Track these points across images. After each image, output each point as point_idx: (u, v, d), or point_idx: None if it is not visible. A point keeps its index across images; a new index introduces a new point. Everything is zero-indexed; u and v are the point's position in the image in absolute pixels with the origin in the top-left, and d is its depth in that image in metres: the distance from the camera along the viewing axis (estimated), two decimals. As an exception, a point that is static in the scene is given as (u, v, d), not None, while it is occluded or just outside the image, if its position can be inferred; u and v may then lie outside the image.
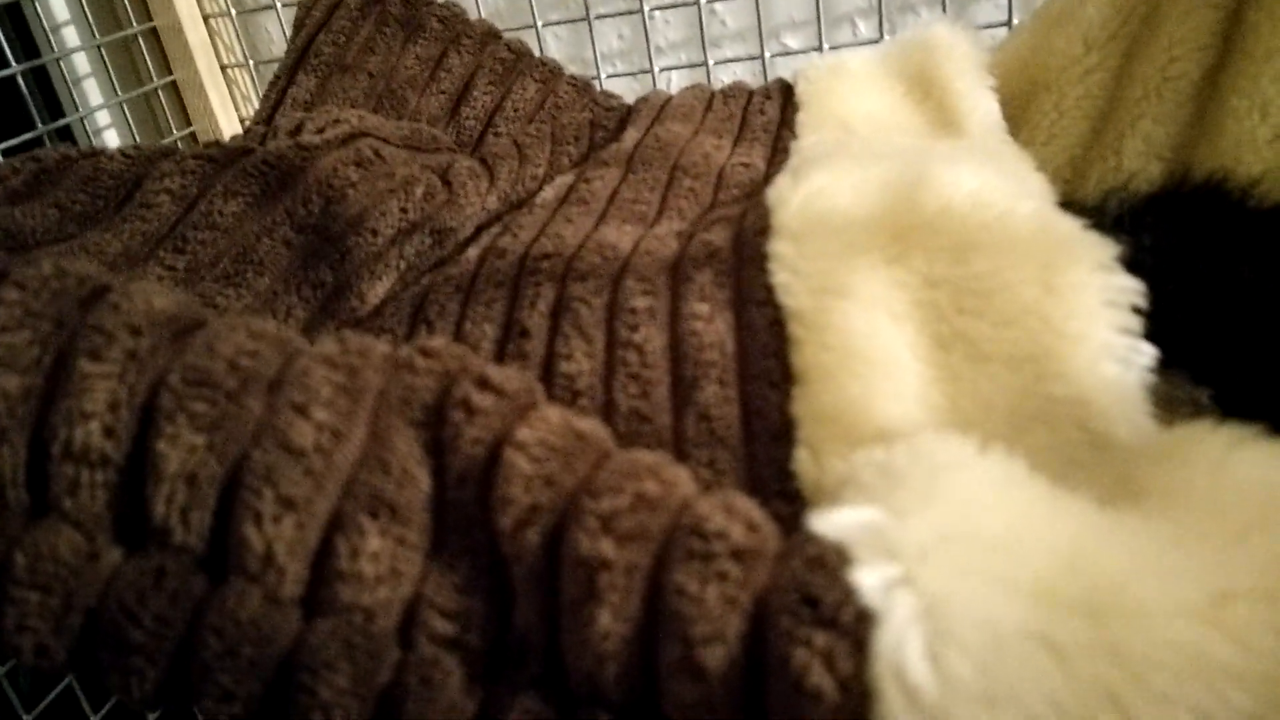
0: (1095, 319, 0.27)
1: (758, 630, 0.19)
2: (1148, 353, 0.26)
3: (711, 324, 0.30)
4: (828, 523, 0.20)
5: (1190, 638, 0.16)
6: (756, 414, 0.28)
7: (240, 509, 0.21)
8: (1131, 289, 0.28)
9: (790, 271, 0.30)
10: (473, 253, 0.40)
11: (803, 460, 0.27)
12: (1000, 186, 0.30)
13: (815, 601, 0.18)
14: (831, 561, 0.19)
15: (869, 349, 0.27)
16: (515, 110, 0.57)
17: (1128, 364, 0.26)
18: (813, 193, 0.32)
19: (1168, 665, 0.16)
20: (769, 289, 0.30)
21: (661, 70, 0.73)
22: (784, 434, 0.27)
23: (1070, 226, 0.30)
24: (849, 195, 0.32)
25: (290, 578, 0.21)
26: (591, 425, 0.22)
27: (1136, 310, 0.27)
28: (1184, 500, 0.20)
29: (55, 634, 0.21)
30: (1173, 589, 0.17)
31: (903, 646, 0.17)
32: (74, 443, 0.22)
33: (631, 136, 0.47)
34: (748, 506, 0.20)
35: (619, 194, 0.42)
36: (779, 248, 0.31)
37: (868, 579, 0.18)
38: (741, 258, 0.32)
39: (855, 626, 0.18)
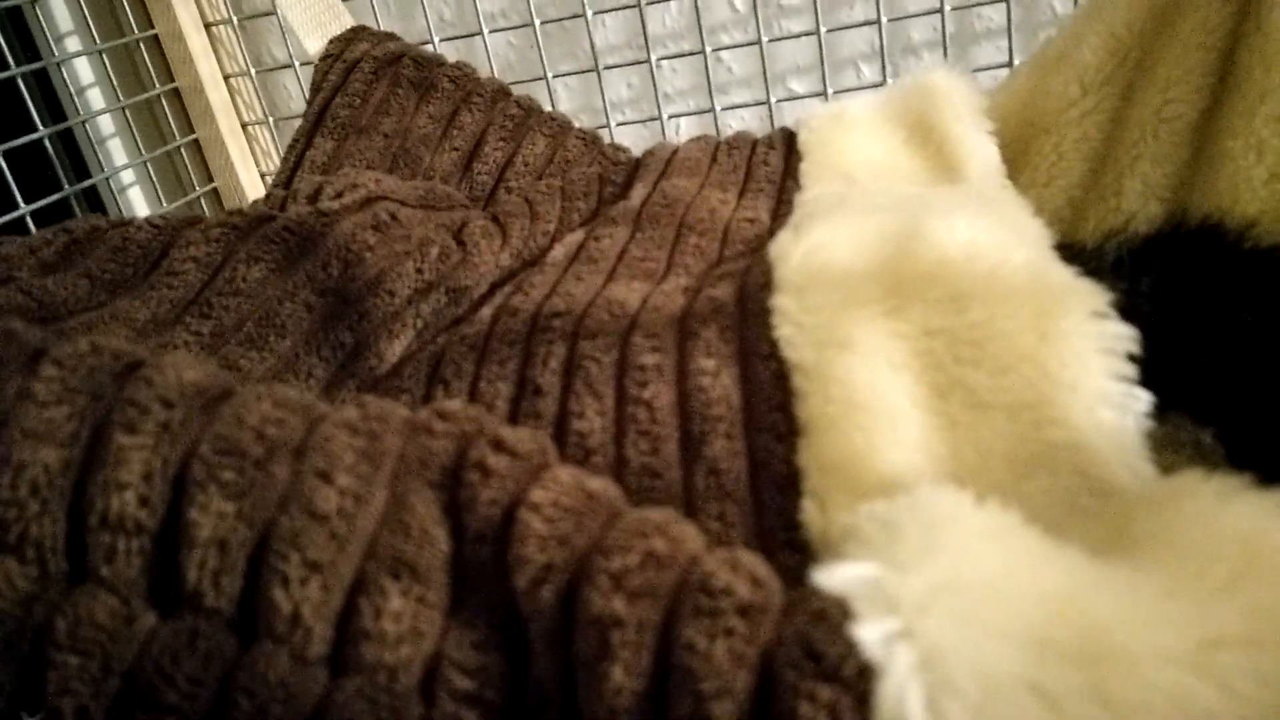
0: (1090, 366, 0.27)
1: (764, 684, 0.19)
2: (1144, 399, 0.27)
3: (718, 379, 0.31)
4: (830, 577, 0.20)
5: (1177, 683, 0.17)
6: (763, 466, 0.29)
7: (268, 573, 0.22)
8: (1126, 336, 0.28)
9: (793, 325, 0.31)
10: (486, 312, 0.41)
11: (809, 510, 0.27)
12: (995, 235, 0.31)
13: (819, 656, 0.19)
14: (834, 616, 0.19)
15: (870, 400, 0.28)
16: (526, 165, 0.58)
17: (1124, 410, 0.27)
18: (813, 247, 0.33)
19: (1155, 710, 0.17)
20: (773, 343, 0.31)
21: (670, 117, 0.75)
22: (790, 485, 0.28)
23: (1063, 274, 0.30)
24: (848, 248, 0.33)
25: (316, 638, 0.22)
26: (602, 484, 0.23)
27: (1132, 357, 0.28)
28: (1175, 550, 0.20)
29: (94, 696, 0.22)
30: (1161, 636, 0.18)
31: (904, 698, 0.18)
32: (110, 512, 0.23)
33: (639, 193, 0.49)
34: (752, 562, 0.21)
35: (628, 252, 0.43)
36: (781, 302, 0.32)
37: (869, 633, 0.19)
38: (746, 312, 0.33)
39: (858, 679, 0.19)
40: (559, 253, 0.44)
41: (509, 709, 0.22)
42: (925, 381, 0.29)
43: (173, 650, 0.22)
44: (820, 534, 0.27)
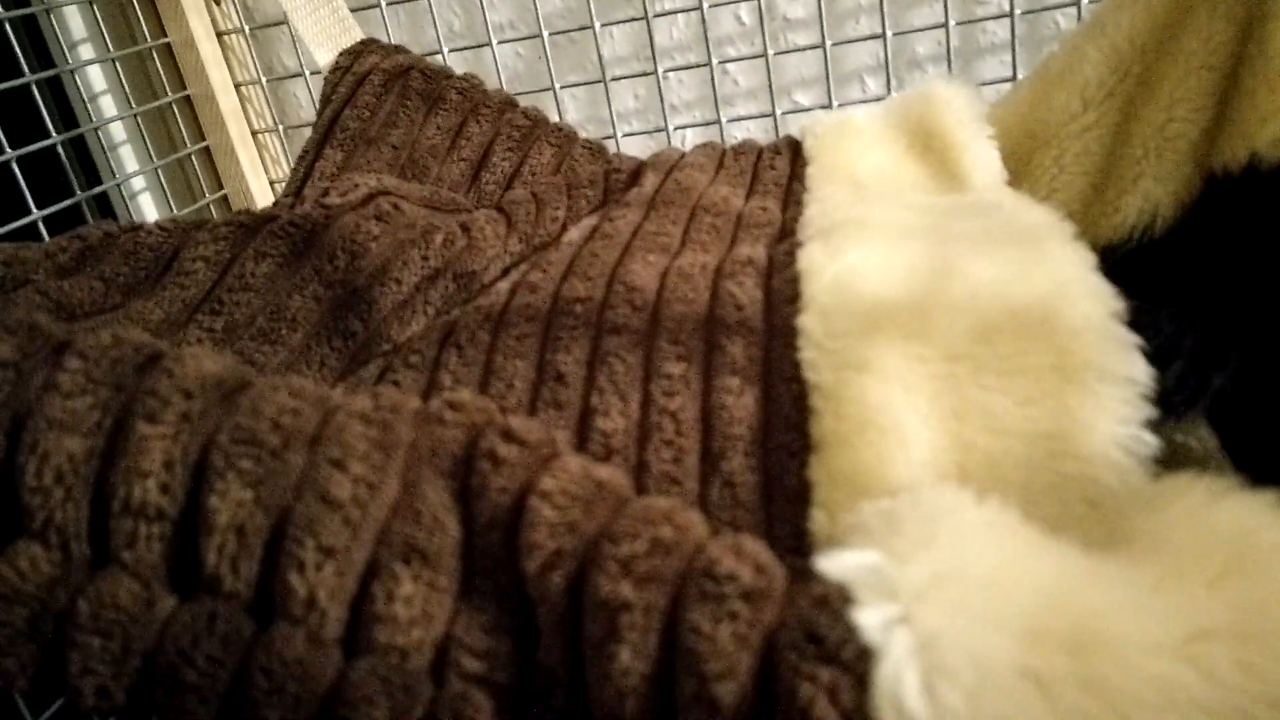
0: (1108, 411, 0.28)
1: (767, 666, 0.20)
2: (1152, 443, 0.28)
3: (741, 398, 0.32)
4: (832, 565, 0.21)
5: (1166, 672, 0.18)
6: (776, 480, 0.30)
7: (285, 558, 0.23)
8: (1143, 378, 0.29)
9: (816, 349, 0.32)
10: (504, 285, 0.42)
11: (818, 520, 0.28)
12: (1015, 265, 0.32)
13: (820, 639, 0.20)
14: (835, 601, 0.20)
15: (882, 419, 0.29)
16: (533, 174, 0.59)
17: (1134, 454, 0.28)
18: (845, 270, 0.34)
19: (1144, 698, 0.18)
20: (796, 365, 0.32)
21: (676, 128, 0.75)
22: (801, 496, 0.29)
23: (1085, 314, 0.31)
24: (877, 276, 0.33)
25: (331, 620, 0.23)
26: (610, 473, 0.24)
27: (1147, 399, 0.29)
28: (1166, 546, 0.21)
29: (115, 677, 0.23)
30: (1151, 627, 0.19)
31: (900, 680, 0.19)
32: (132, 499, 0.23)
33: (651, 181, 0.49)
34: (756, 549, 0.22)
35: (642, 228, 0.44)
36: (807, 323, 0.33)
37: (869, 618, 0.20)
38: (772, 329, 0.34)
39: (857, 662, 0.19)
40: (574, 234, 0.45)
41: (517, 691, 0.23)
42: (940, 404, 0.29)
43: (192, 632, 0.23)
44: (828, 541, 0.27)
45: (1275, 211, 0.38)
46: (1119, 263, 0.33)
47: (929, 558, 0.21)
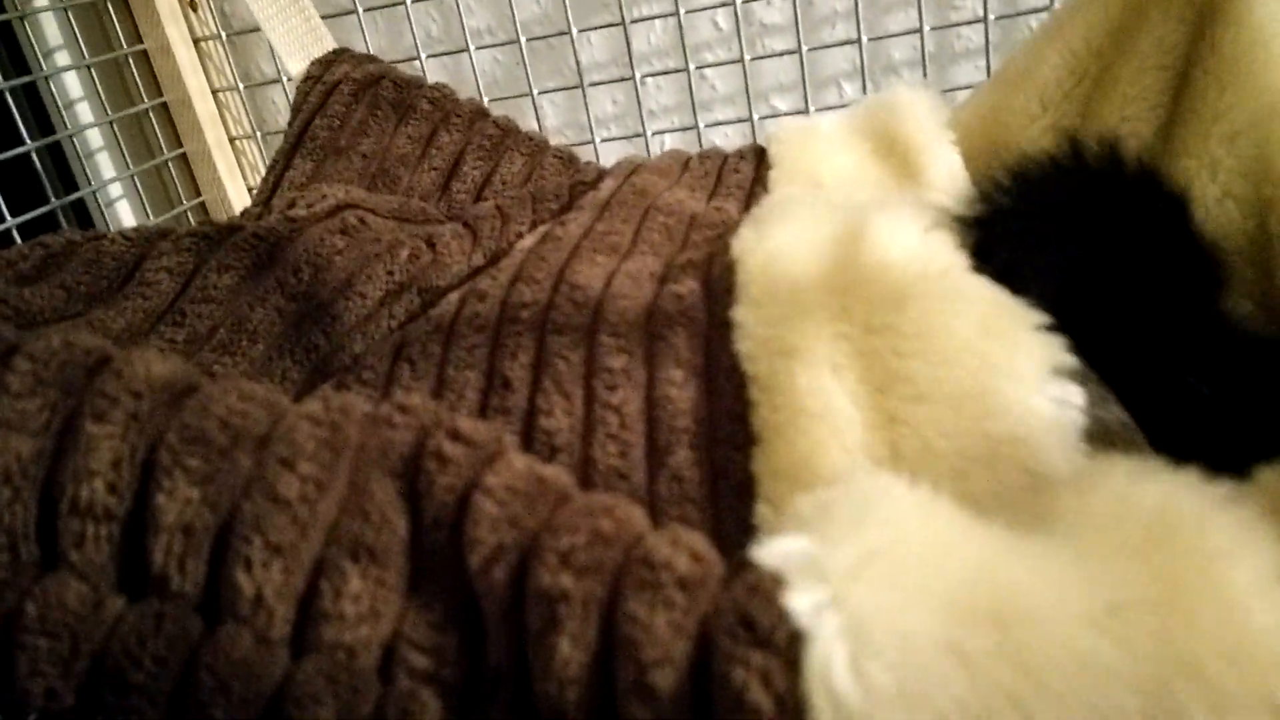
0: (1030, 358, 0.29)
1: (702, 652, 0.20)
2: (1080, 395, 0.28)
3: (684, 390, 0.32)
4: (766, 552, 0.21)
5: (1084, 643, 0.18)
6: (722, 474, 0.30)
7: (232, 556, 0.23)
8: (1064, 340, 0.30)
9: (751, 339, 0.32)
10: (454, 296, 0.42)
11: (763, 513, 0.29)
12: (944, 242, 0.33)
13: (752, 624, 0.20)
14: (768, 587, 0.20)
15: (813, 404, 0.29)
16: (504, 183, 0.59)
17: (1062, 405, 0.28)
18: (771, 254, 0.34)
19: (1063, 668, 0.18)
20: (734, 357, 0.32)
21: (654, 134, 0.76)
22: (747, 490, 0.30)
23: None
24: (803, 255, 0.34)
25: (278, 619, 0.23)
26: (553, 471, 0.24)
27: (1070, 354, 0.29)
28: (1088, 523, 0.22)
29: (63, 678, 0.23)
30: (1070, 600, 0.19)
31: (829, 661, 0.19)
32: (80, 499, 0.24)
33: (608, 185, 0.50)
34: (693, 539, 0.22)
35: (592, 229, 0.44)
36: (741, 315, 0.33)
37: (799, 602, 0.20)
38: (712, 320, 0.34)
39: (788, 646, 0.19)
40: (528, 240, 0.45)
41: (465, 687, 0.23)
42: (867, 380, 0.30)
43: (139, 632, 0.23)
44: (772, 534, 0.28)
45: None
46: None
47: (858, 539, 0.21)
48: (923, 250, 0.32)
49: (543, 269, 0.39)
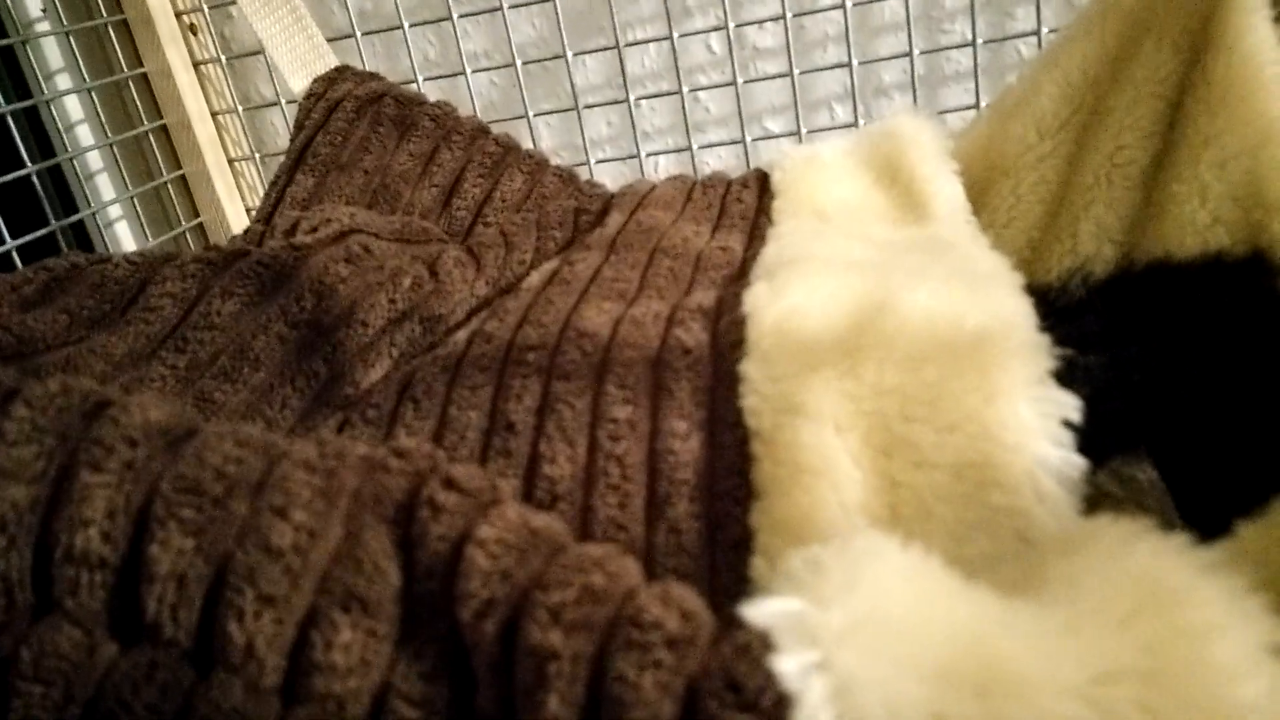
0: (1031, 431, 0.29)
1: (689, 713, 0.20)
2: (1080, 465, 0.28)
3: (687, 443, 0.32)
4: (756, 612, 0.21)
5: (1069, 714, 0.18)
6: (720, 527, 0.30)
7: (224, 606, 0.23)
8: (1066, 403, 0.30)
9: (756, 395, 0.32)
10: (461, 335, 0.42)
11: (758, 567, 0.29)
12: (956, 301, 0.33)
13: (740, 687, 0.20)
14: (756, 649, 0.21)
15: (815, 462, 0.29)
16: (504, 200, 0.59)
17: (1061, 477, 0.28)
18: (787, 312, 0.34)
19: (1048, 740, 0.18)
20: (739, 412, 0.32)
21: (648, 155, 0.76)
22: (744, 544, 0.30)
23: (1013, 337, 0.32)
24: (819, 316, 0.34)
25: (269, 669, 0.23)
26: (546, 521, 0.24)
27: (1070, 424, 0.29)
28: (1079, 589, 0.22)
29: (56, 725, 0.23)
30: (1058, 669, 0.19)
31: (816, 726, 0.19)
32: (75, 547, 0.24)
33: (615, 221, 0.50)
34: (683, 596, 0.22)
35: (600, 273, 0.44)
36: (749, 370, 0.33)
37: (787, 664, 0.20)
38: (718, 373, 0.34)
39: (774, 710, 0.20)
40: (535, 279, 0.45)
41: (454, 737, 0.23)
42: (870, 442, 0.30)
43: (132, 680, 0.23)
44: (767, 588, 0.28)
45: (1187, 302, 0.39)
46: (1059, 310, 0.34)
47: (850, 603, 0.21)
48: (941, 315, 0.32)
49: (550, 312, 0.39)
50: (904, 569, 0.22)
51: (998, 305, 0.35)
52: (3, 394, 0.26)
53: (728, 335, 0.36)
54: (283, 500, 0.24)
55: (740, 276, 0.42)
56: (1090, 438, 0.29)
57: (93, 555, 0.24)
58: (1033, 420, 0.29)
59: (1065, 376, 0.30)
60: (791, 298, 0.35)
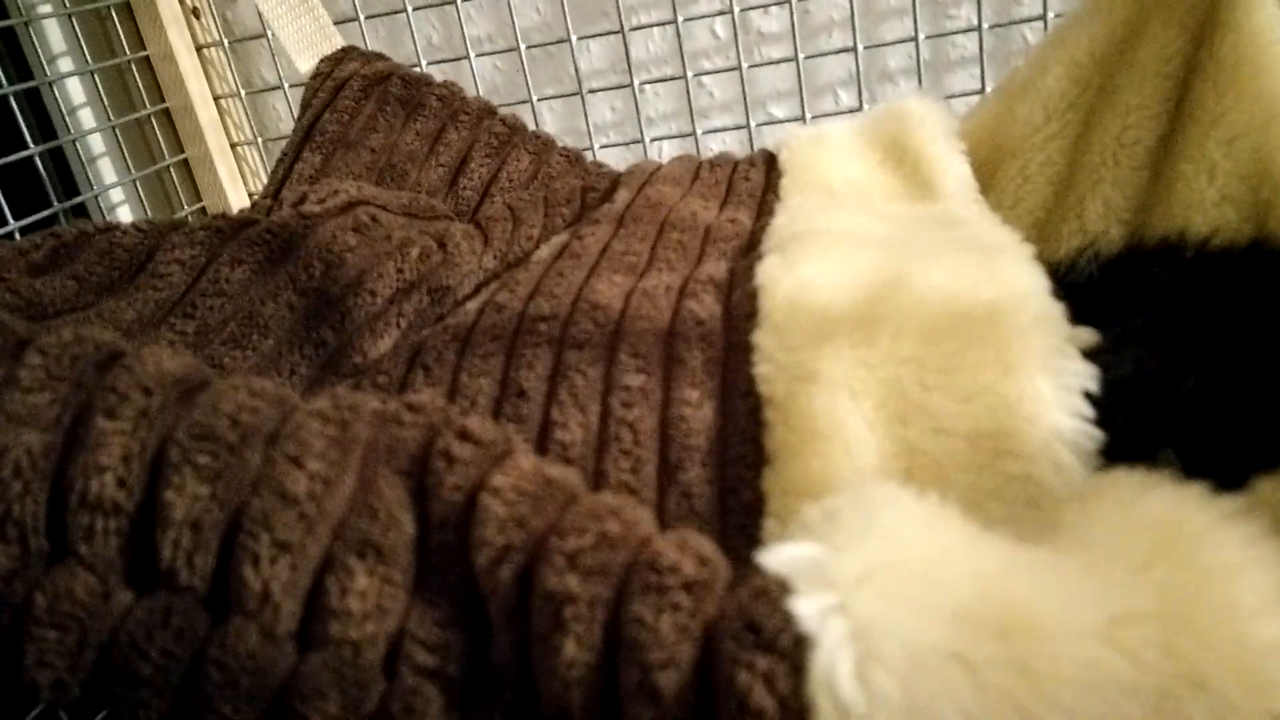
0: (1048, 403, 0.29)
1: (707, 655, 0.20)
2: (1097, 437, 0.28)
3: (699, 410, 0.32)
4: (773, 557, 0.22)
5: (1090, 655, 0.18)
6: (732, 492, 0.30)
7: (240, 552, 0.23)
8: (1084, 374, 0.30)
9: (769, 363, 0.32)
10: (472, 305, 0.42)
11: (771, 529, 0.29)
12: (971, 277, 0.33)
13: (758, 628, 0.20)
14: (774, 592, 0.21)
15: (828, 427, 0.29)
16: (510, 180, 0.59)
17: (1078, 448, 0.28)
18: (800, 285, 0.34)
19: (1069, 680, 0.18)
20: (751, 379, 0.32)
21: (652, 140, 0.76)
22: (756, 508, 0.30)
23: (1031, 311, 0.32)
24: (832, 289, 0.34)
25: (285, 615, 0.23)
26: (560, 471, 0.25)
27: (1089, 395, 0.29)
28: (1096, 534, 0.22)
29: (71, 670, 0.23)
30: (1076, 611, 0.19)
31: (834, 667, 0.19)
32: (90, 493, 0.24)
33: (623, 197, 0.50)
34: (700, 542, 0.22)
35: (610, 247, 0.44)
36: (762, 339, 0.33)
37: (805, 607, 0.20)
38: (730, 343, 0.35)
39: (793, 650, 0.20)
40: (544, 252, 0.45)
41: (469, 684, 0.23)
42: (887, 408, 0.30)
43: (147, 626, 0.23)
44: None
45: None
46: (1068, 286, 0.34)
47: (865, 548, 0.21)
48: (958, 292, 0.32)
49: (561, 285, 0.40)
50: (921, 515, 0.22)
51: (1012, 277, 0.35)
52: (15, 342, 0.26)
53: (740, 307, 0.36)
54: (297, 449, 0.24)
55: (750, 249, 0.43)
56: (1104, 407, 0.30)
57: (107, 501, 0.24)
58: (1050, 392, 0.29)
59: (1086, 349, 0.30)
60: (804, 271, 0.35)
